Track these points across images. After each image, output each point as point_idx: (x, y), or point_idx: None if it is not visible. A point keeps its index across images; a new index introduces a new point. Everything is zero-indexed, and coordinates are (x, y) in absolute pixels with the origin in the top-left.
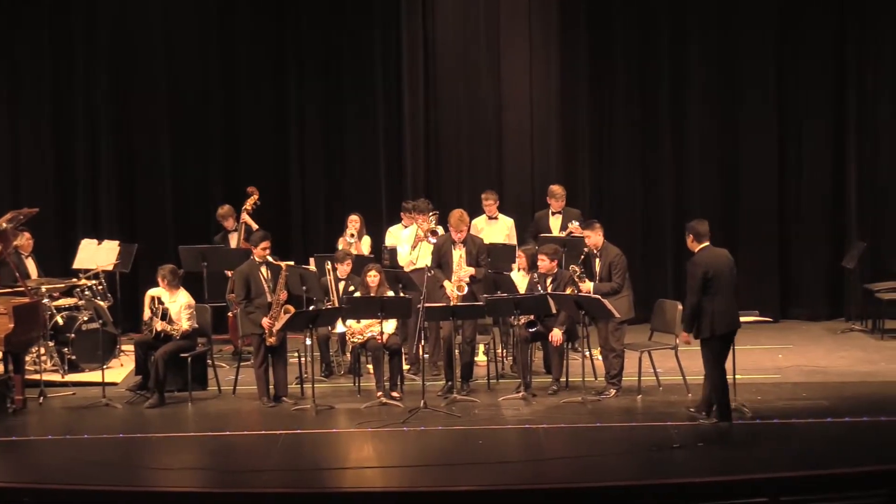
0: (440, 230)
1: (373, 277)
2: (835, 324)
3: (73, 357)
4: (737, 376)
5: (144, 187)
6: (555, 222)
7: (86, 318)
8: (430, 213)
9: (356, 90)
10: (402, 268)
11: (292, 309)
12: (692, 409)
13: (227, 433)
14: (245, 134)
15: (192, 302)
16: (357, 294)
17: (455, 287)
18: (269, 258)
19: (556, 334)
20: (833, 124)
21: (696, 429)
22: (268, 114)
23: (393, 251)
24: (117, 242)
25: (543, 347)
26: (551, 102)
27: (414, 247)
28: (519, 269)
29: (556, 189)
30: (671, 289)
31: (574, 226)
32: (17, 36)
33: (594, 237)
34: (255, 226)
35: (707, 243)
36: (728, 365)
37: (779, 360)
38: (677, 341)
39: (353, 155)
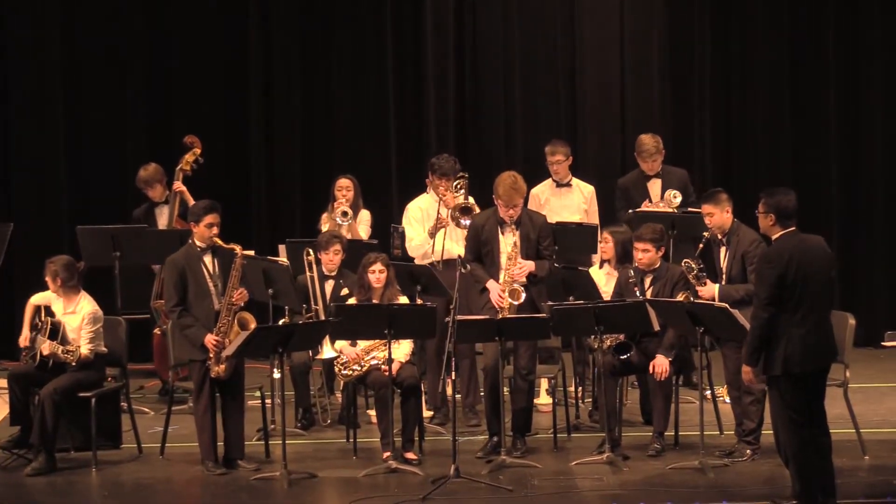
0: (473, 205)
1: (377, 273)
2: None
3: None
4: None
5: (24, 137)
6: (653, 189)
7: None
8: (457, 179)
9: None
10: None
11: (251, 320)
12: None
13: None
14: (179, 57)
15: (99, 313)
16: (352, 300)
17: (506, 291)
18: (218, 241)
19: (661, 363)
20: None
21: None
22: (216, 23)
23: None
24: None
25: (640, 384)
26: (655, 3)
27: (433, 232)
28: (603, 263)
29: (646, 141)
30: (838, 293)
31: (672, 197)
32: None
33: (719, 215)
34: (190, 200)
35: (793, 228)
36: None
37: None
38: (846, 374)
39: (345, 90)
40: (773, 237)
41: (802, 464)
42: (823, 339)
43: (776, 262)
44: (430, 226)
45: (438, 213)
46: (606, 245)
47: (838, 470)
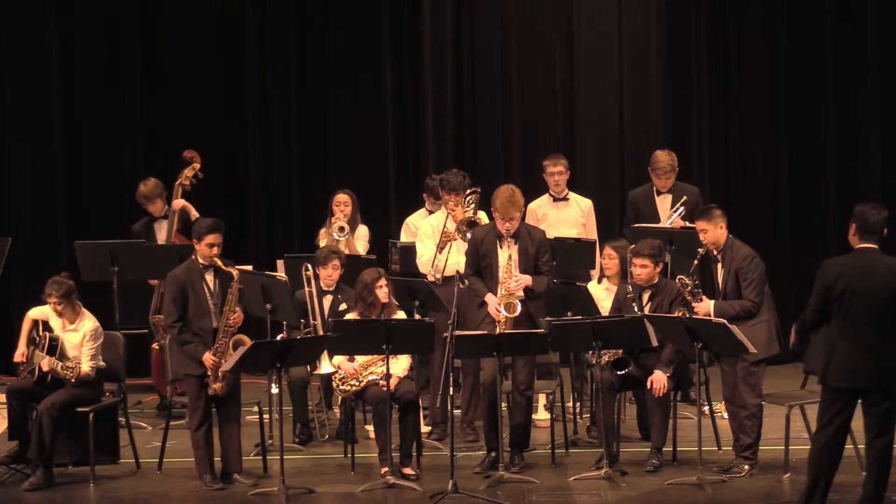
0: (483, 217)
1: (383, 289)
2: None
3: None
4: None
5: (22, 151)
6: (662, 205)
7: None
8: (468, 193)
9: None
10: (423, 277)
11: (246, 340)
12: None
13: None
14: (177, 72)
15: (99, 330)
16: (350, 315)
17: (503, 305)
18: (217, 261)
19: (659, 379)
20: None
21: None
22: (213, 34)
23: (406, 249)
24: None
25: (638, 400)
26: (653, 20)
27: (441, 246)
28: (602, 278)
29: (662, 158)
30: None
31: (677, 213)
32: None
33: (712, 231)
34: (194, 213)
35: (870, 245)
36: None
37: None
38: None
39: (343, 104)
40: (854, 247)
41: (813, 456)
42: (867, 360)
43: (823, 274)
44: (435, 242)
45: (445, 226)
46: (611, 261)
47: (837, 486)
